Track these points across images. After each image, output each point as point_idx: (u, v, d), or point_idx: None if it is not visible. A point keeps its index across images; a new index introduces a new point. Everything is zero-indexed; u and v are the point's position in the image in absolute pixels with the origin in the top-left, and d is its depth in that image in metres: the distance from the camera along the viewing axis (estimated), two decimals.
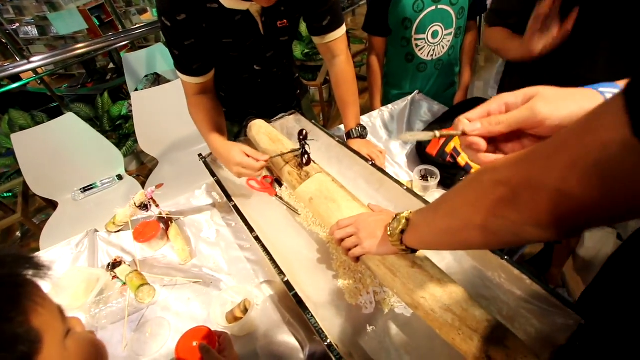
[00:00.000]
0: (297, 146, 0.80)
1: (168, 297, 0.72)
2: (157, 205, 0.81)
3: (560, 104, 0.35)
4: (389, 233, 0.51)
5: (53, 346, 0.27)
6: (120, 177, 1.60)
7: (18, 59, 2.19)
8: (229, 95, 1.03)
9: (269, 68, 0.97)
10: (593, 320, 0.47)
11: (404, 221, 0.49)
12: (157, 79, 1.92)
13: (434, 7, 1.01)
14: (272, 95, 1.06)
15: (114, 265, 0.73)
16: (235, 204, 0.77)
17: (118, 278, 0.73)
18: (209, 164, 0.93)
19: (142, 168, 2.34)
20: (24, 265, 0.28)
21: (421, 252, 0.56)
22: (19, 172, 2.00)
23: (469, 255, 0.65)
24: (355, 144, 0.97)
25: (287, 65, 1.03)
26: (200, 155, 0.96)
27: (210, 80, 0.90)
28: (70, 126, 1.48)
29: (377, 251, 0.55)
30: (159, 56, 2.02)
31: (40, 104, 3.24)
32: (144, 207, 0.77)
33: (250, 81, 0.98)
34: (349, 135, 0.99)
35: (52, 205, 1.93)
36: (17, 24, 4.56)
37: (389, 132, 1.10)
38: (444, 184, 0.84)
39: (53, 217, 1.49)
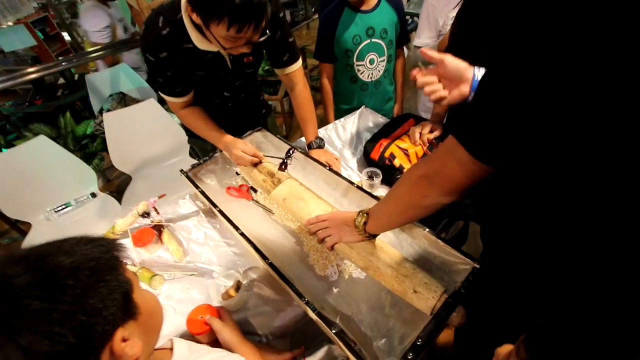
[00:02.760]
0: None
1: (170, 289, 0.87)
2: (158, 212, 0.95)
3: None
4: (355, 225, 0.72)
5: (137, 289, 0.45)
6: (94, 195, 1.66)
7: None
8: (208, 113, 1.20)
9: (237, 94, 1.15)
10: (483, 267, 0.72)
11: (365, 215, 0.70)
12: (122, 98, 1.99)
13: (368, 41, 1.27)
14: (241, 116, 1.24)
15: None
16: (220, 209, 0.94)
17: None
18: (191, 177, 1.09)
19: (109, 185, 2.37)
20: (114, 242, 0.46)
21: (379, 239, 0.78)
22: None
23: (403, 231, 0.88)
24: (315, 153, 1.18)
25: (253, 90, 1.22)
26: (181, 170, 1.11)
27: (191, 99, 1.08)
28: (40, 148, 1.53)
29: (347, 240, 0.76)
30: (123, 75, 2.09)
31: None
32: (146, 215, 0.91)
33: (222, 105, 1.15)
34: (309, 146, 1.20)
35: (15, 227, 1.92)
36: None
37: (342, 142, 1.33)
38: (385, 181, 1.08)
39: (27, 238, 1.53)
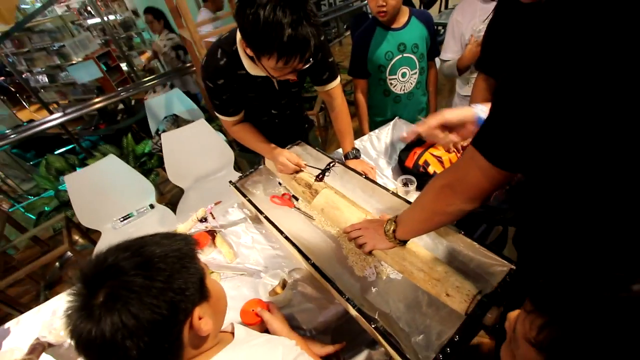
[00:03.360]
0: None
1: (223, 287, 0.97)
2: (214, 217, 1.07)
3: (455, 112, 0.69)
4: (387, 234, 0.78)
5: (208, 276, 0.55)
6: (152, 206, 1.86)
7: (46, 109, 2.50)
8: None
9: (283, 111, 1.27)
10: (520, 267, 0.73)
11: (394, 223, 0.76)
12: (175, 120, 2.21)
13: (400, 56, 1.33)
14: (286, 131, 1.35)
15: None
16: (265, 215, 1.04)
17: None
18: (239, 187, 1.21)
19: (163, 198, 2.60)
20: (189, 237, 0.56)
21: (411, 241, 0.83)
22: (57, 209, 2.26)
23: (440, 235, 0.92)
24: (351, 163, 1.25)
25: (297, 107, 1.34)
26: (230, 181, 1.23)
27: (242, 117, 1.21)
28: (111, 166, 1.76)
29: (380, 247, 0.82)
30: (176, 100, 2.34)
31: (54, 145, 3.53)
32: (204, 219, 1.04)
33: (270, 121, 1.27)
34: (346, 156, 1.28)
35: (86, 236, 2.18)
36: (29, 74, 4.92)
37: (377, 152, 1.39)
38: (419, 188, 1.12)
39: (99, 244, 1.74)
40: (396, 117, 1.46)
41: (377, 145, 1.41)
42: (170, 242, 0.54)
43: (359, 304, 0.77)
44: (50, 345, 0.86)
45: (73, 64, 4.15)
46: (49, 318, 0.88)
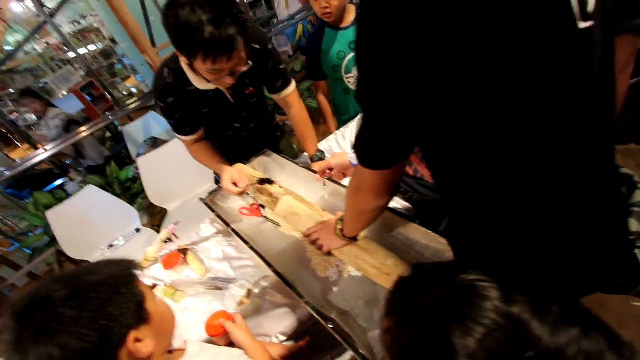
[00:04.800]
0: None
1: (195, 302, 0.98)
2: (177, 237, 1.09)
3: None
4: (336, 234, 0.80)
5: (150, 300, 0.56)
6: (138, 230, 1.88)
7: (34, 148, 2.55)
8: (222, 146, 1.32)
9: (246, 124, 1.28)
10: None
11: (340, 223, 0.78)
12: (154, 142, 2.24)
13: (352, 54, 1.34)
14: (255, 142, 1.36)
15: (152, 287, 1.00)
16: (233, 228, 1.05)
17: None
18: (209, 204, 1.22)
19: (153, 219, 2.63)
20: (131, 262, 0.57)
21: (363, 239, 0.85)
22: (48, 244, 2.30)
23: (398, 226, 0.92)
24: (317, 165, 1.26)
25: (262, 118, 1.34)
26: (201, 199, 1.25)
27: (202, 135, 1.22)
28: (91, 196, 1.78)
29: (335, 246, 0.85)
30: (153, 122, 2.37)
31: (47, 181, 3.58)
32: (169, 240, 1.05)
33: (235, 135, 1.29)
34: (312, 159, 1.29)
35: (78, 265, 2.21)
36: (17, 114, 5.00)
37: (342, 150, 1.40)
38: None
39: None
40: (360, 114, 1.47)
41: (342, 143, 1.42)
42: (110, 269, 0.55)
43: (319, 305, 0.78)
44: None
45: (59, 99, 4.21)
46: None
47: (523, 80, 0.39)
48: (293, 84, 1.22)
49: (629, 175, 0.59)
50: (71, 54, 5.52)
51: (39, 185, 3.42)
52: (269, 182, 1.13)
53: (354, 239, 0.81)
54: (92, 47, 5.59)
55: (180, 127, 1.15)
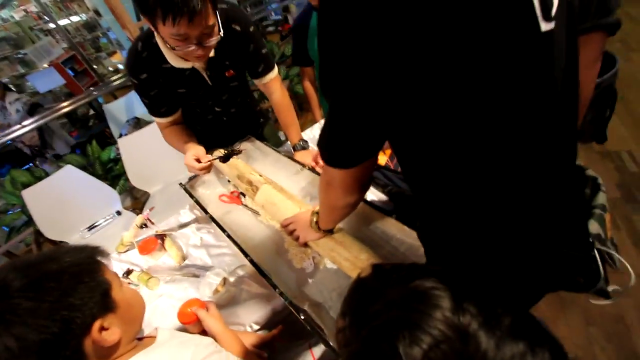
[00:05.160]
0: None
1: (171, 289, 0.98)
2: (153, 223, 1.08)
3: None
4: (311, 226, 0.80)
5: (116, 287, 0.55)
6: (119, 213, 1.85)
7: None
8: (203, 131, 1.29)
9: (228, 108, 1.24)
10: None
11: (316, 215, 0.78)
12: (137, 122, 2.18)
13: None
14: (237, 128, 1.33)
15: (128, 273, 0.99)
16: (211, 215, 1.04)
17: (132, 282, 0.99)
18: (188, 189, 1.20)
19: (137, 202, 2.59)
20: (95, 249, 0.56)
21: (339, 232, 0.85)
22: (26, 224, 2.25)
23: (375, 221, 0.93)
24: (299, 155, 1.25)
25: (244, 103, 1.30)
26: (180, 183, 1.23)
27: (178, 118, 1.17)
28: (69, 176, 1.74)
29: (310, 238, 0.85)
30: (136, 102, 2.29)
31: (28, 158, 3.47)
32: (144, 225, 1.04)
33: (216, 120, 1.25)
34: (295, 148, 1.27)
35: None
36: None
37: None
38: None
39: None
40: None
41: None
42: (72, 256, 0.54)
43: (293, 296, 0.79)
44: None
45: (36, 72, 4.03)
46: None
47: (486, 80, 0.38)
48: (275, 70, 1.19)
49: (594, 177, 0.60)
50: (52, 25, 5.27)
51: (20, 163, 3.32)
52: (234, 153, 1.11)
53: (329, 232, 0.81)
54: (75, 19, 5.33)
55: (154, 108, 1.10)
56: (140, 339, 0.65)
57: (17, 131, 2.34)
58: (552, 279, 0.59)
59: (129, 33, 1.72)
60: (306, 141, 1.28)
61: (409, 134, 0.47)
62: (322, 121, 1.44)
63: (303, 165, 1.12)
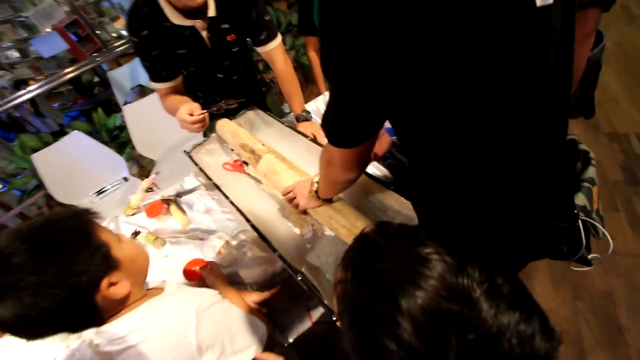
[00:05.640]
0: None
1: (176, 251, 1.03)
2: (158, 187, 1.11)
3: None
4: (311, 194, 0.82)
5: (115, 246, 0.58)
6: (126, 179, 1.90)
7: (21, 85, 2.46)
8: (205, 99, 1.30)
9: (229, 75, 1.24)
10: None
11: (316, 185, 0.80)
12: (142, 90, 2.18)
13: None
14: (239, 96, 1.32)
15: (135, 234, 1.04)
16: (214, 182, 1.07)
17: (139, 243, 1.04)
18: (192, 157, 1.23)
19: (143, 170, 2.63)
20: (85, 212, 0.58)
21: (339, 201, 0.87)
22: (37, 187, 2.31)
23: (373, 192, 0.95)
24: (302, 126, 1.26)
25: (246, 71, 1.30)
26: (185, 151, 1.26)
27: (179, 85, 1.16)
28: (77, 142, 1.77)
29: (310, 206, 0.87)
30: (140, 69, 2.26)
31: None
32: (150, 189, 1.08)
33: (219, 87, 1.25)
34: (297, 119, 1.28)
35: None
36: None
37: None
38: None
39: None
40: None
41: None
42: (64, 225, 0.53)
43: (291, 259, 0.83)
44: None
45: (40, 35, 3.97)
46: None
47: (481, 54, 0.39)
48: (279, 38, 1.18)
49: (585, 151, 0.61)
50: None
51: (22, 130, 3.35)
52: (229, 105, 1.14)
53: (328, 201, 0.84)
54: None
55: (155, 70, 1.08)
56: (148, 290, 0.69)
57: (14, 101, 2.33)
58: (538, 248, 0.61)
59: None
60: (309, 112, 1.28)
61: (406, 110, 0.48)
62: (327, 93, 1.43)
63: (305, 135, 1.13)
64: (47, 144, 2.36)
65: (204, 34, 1.05)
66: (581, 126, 2.03)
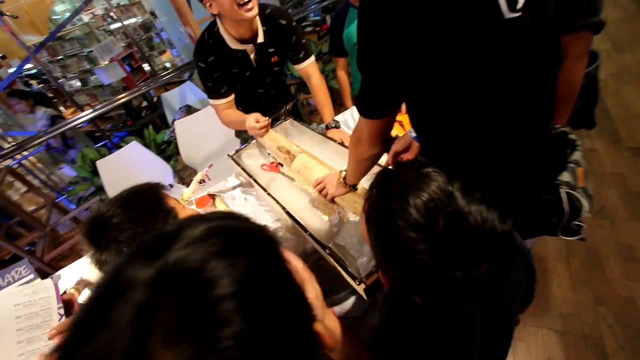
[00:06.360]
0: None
1: None
2: (210, 179, 1.31)
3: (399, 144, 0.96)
4: (339, 182, 0.97)
5: (180, 211, 0.73)
6: (171, 185, 2.13)
7: (80, 111, 2.85)
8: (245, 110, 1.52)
9: (268, 90, 1.46)
10: None
11: (344, 173, 0.95)
12: (188, 109, 2.47)
13: None
14: (275, 107, 1.55)
15: None
16: (254, 178, 1.25)
17: None
18: (235, 159, 1.42)
19: (182, 181, 2.90)
20: (158, 184, 0.75)
21: (361, 187, 1.01)
22: (93, 194, 2.61)
23: None
24: (331, 132, 1.43)
25: (281, 86, 1.53)
26: (228, 154, 1.45)
27: (234, 102, 1.40)
28: (134, 151, 2.04)
29: (338, 193, 1.01)
30: (188, 92, 2.59)
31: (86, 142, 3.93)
32: (202, 181, 1.27)
33: (258, 101, 1.48)
34: (327, 127, 1.46)
35: None
36: (63, 79, 5.41)
37: (356, 122, 1.55)
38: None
39: None
40: None
41: (356, 117, 1.57)
42: (145, 194, 0.69)
43: (320, 239, 0.96)
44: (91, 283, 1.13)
45: (100, 66, 4.54)
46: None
47: (466, 58, 0.54)
48: (312, 57, 1.40)
49: (574, 139, 0.72)
50: (113, 26, 5.87)
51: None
52: (284, 116, 1.38)
53: (354, 188, 0.98)
54: (132, 20, 5.90)
55: (217, 89, 1.32)
56: None
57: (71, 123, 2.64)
58: (532, 223, 0.72)
59: (191, 30, 1.99)
60: (337, 121, 1.46)
61: (417, 98, 0.64)
62: (353, 107, 1.61)
63: (334, 140, 1.29)
64: (103, 156, 2.69)
65: (252, 56, 1.28)
66: (604, 140, 2.08)
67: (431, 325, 0.50)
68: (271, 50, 1.30)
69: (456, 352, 0.49)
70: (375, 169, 0.97)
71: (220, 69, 1.27)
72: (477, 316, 0.50)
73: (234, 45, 1.22)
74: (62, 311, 0.58)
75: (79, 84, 5.62)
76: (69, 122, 2.71)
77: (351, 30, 1.49)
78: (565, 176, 0.67)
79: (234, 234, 0.28)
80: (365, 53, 0.62)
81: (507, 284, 0.48)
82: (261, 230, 0.32)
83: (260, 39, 1.24)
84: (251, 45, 1.24)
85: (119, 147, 2.98)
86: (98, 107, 2.82)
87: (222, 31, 1.20)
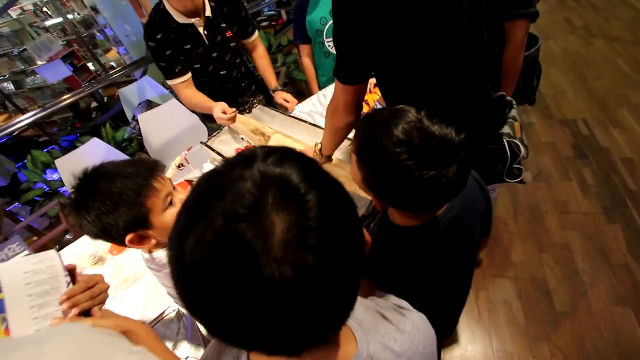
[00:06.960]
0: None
1: None
2: (189, 162, 1.32)
3: None
4: (315, 154, 1.05)
5: (156, 214, 0.74)
6: None
7: (16, 115, 2.62)
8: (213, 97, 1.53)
9: (231, 71, 1.48)
10: None
11: (319, 145, 1.03)
12: (149, 104, 2.40)
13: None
14: (241, 93, 1.59)
15: None
16: None
17: None
18: (210, 145, 1.45)
19: None
20: (157, 162, 0.78)
21: (335, 158, 1.10)
22: (48, 198, 2.45)
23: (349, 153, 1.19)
24: (278, 94, 1.55)
25: (244, 67, 1.56)
26: (201, 142, 1.47)
27: (191, 81, 1.39)
28: (96, 148, 1.95)
29: None
30: (147, 86, 2.51)
31: (33, 148, 3.64)
32: (181, 165, 1.28)
33: (222, 86, 1.50)
34: (274, 90, 1.57)
35: None
36: None
37: (323, 107, 1.64)
38: None
39: None
40: None
41: (323, 101, 1.66)
42: (132, 179, 0.68)
43: None
44: None
45: (42, 65, 4.18)
46: None
47: (418, 31, 0.66)
48: (257, 31, 1.51)
49: (510, 100, 0.87)
50: (48, 22, 5.38)
51: (24, 152, 3.47)
52: (253, 104, 1.46)
53: (329, 159, 1.06)
54: (70, 16, 5.45)
55: (171, 68, 1.31)
56: None
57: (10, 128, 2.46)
58: (483, 170, 0.86)
59: None
60: (283, 85, 1.56)
61: (384, 67, 0.74)
62: (320, 92, 1.70)
63: (304, 121, 1.37)
64: (54, 158, 2.53)
65: (202, 30, 1.31)
66: (538, 115, 2.37)
67: (411, 241, 0.60)
68: (223, 25, 1.34)
69: (431, 262, 0.60)
70: (346, 143, 1.07)
71: (172, 47, 1.27)
72: (448, 237, 0.61)
73: (180, 19, 1.23)
74: (68, 278, 0.60)
75: (12, 87, 5.12)
76: (10, 126, 2.49)
77: (313, 17, 1.57)
78: (506, 129, 0.81)
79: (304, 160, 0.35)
80: (340, 30, 0.72)
81: (470, 212, 0.60)
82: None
83: (208, 12, 1.27)
84: (198, 19, 1.26)
85: (73, 147, 2.81)
86: (38, 110, 2.61)
87: (167, 7, 1.22)
